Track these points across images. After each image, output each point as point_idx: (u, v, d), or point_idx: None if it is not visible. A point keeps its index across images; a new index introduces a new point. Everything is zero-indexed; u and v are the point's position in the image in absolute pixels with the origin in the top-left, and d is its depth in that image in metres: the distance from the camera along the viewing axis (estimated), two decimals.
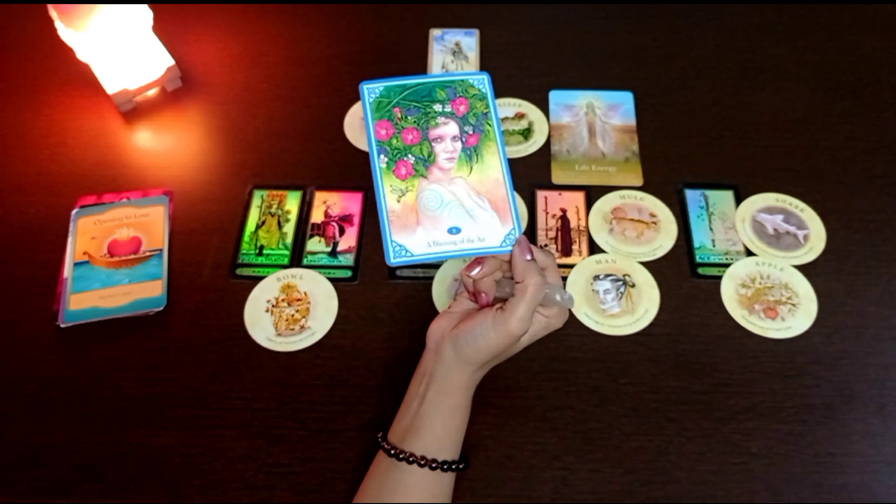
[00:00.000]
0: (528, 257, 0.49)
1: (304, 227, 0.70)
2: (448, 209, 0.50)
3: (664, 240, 0.68)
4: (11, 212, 0.71)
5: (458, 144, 0.51)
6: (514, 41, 0.85)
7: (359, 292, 0.66)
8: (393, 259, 0.49)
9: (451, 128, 0.52)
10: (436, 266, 0.67)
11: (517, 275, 0.49)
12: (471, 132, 0.52)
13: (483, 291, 0.52)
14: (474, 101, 0.52)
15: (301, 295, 0.65)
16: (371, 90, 0.52)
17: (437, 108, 0.52)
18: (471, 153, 0.51)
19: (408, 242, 0.49)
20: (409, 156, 0.51)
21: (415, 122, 0.51)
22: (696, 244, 0.68)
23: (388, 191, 0.50)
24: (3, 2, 0.89)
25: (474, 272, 0.51)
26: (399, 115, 0.51)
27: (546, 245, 0.68)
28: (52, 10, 0.72)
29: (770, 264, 0.66)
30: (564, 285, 0.65)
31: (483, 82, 0.53)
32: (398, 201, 0.50)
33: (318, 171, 0.74)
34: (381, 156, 0.50)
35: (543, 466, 0.56)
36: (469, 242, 0.49)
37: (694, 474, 0.56)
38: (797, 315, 0.63)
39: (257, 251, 0.68)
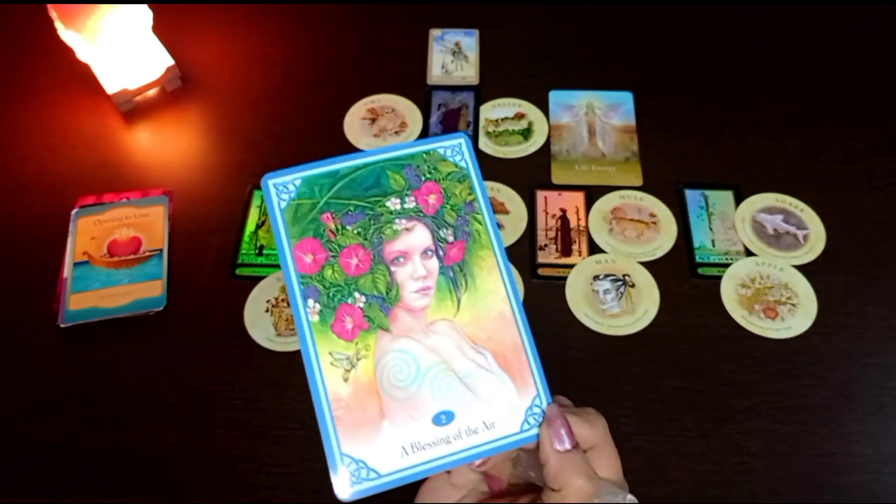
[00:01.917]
0: (568, 445, 0.32)
1: None
2: (429, 381, 0.32)
3: (664, 240, 0.68)
4: (11, 212, 0.71)
5: (434, 263, 0.33)
6: (514, 41, 0.85)
7: None
8: (346, 493, 0.30)
9: (419, 235, 0.33)
10: None
11: (550, 477, 0.32)
12: (451, 239, 0.34)
13: (493, 475, 0.36)
14: (450, 184, 0.34)
15: None
16: (281, 188, 0.33)
17: (393, 204, 0.34)
18: (454, 276, 0.33)
19: (369, 454, 0.31)
20: (357, 295, 0.32)
21: (359, 233, 0.33)
22: (696, 244, 0.68)
23: (328, 363, 0.31)
24: (3, 2, 0.89)
25: (476, 465, 0.34)
26: (333, 226, 0.33)
27: (545, 246, 0.68)
28: (52, 11, 0.72)
29: (770, 264, 0.66)
30: (565, 287, 0.65)
31: (460, 149, 0.35)
32: (346, 380, 0.31)
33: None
34: (310, 301, 0.32)
35: None
36: (470, 435, 0.32)
37: (694, 474, 0.56)
38: (797, 315, 0.63)
39: (257, 251, 0.68)
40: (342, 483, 0.31)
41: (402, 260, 0.33)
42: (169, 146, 0.77)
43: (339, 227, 0.33)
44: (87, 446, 0.58)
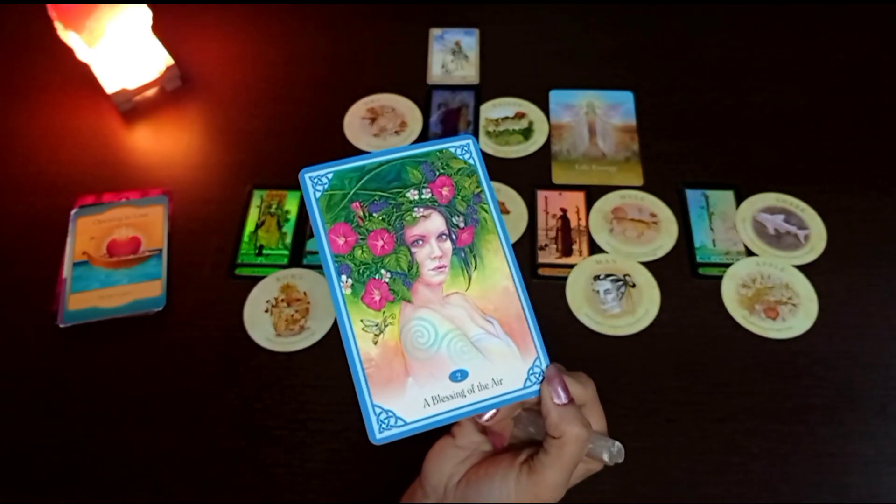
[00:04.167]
0: (564, 400, 0.37)
1: (303, 227, 0.69)
2: (446, 345, 0.37)
3: (665, 240, 0.68)
4: (11, 212, 0.71)
5: (448, 245, 0.38)
6: (514, 41, 0.85)
7: None
8: (379, 434, 0.36)
9: (435, 222, 0.38)
10: None
11: (551, 426, 0.37)
12: (462, 225, 0.39)
13: (497, 432, 0.40)
14: (460, 178, 0.39)
15: (301, 295, 0.65)
16: (316, 180, 0.38)
17: (412, 195, 0.38)
18: (466, 256, 0.38)
19: (397, 405, 0.36)
20: (383, 272, 0.37)
21: (384, 219, 0.38)
22: (697, 244, 0.67)
23: (360, 329, 0.36)
24: (3, 2, 0.89)
25: (485, 419, 0.38)
26: (361, 213, 0.38)
27: (546, 246, 0.68)
28: (52, 11, 0.72)
29: (771, 264, 0.66)
30: (565, 286, 0.65)
31: (468, 149, 0.40)
32: (375, 343, 0.36)
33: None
34: (343, 277, 0.37)
35: None
36: (481, 390, 0.37)
37: (694, 475, 0.55)
38: (798, 315, 0.63)
39: (257, 251, 0.68)
40: (374, 429, 0.36)
41: (420, 242, 0.38)
42: (168, 146, 0.77)
43: (367, 214, 0.38)
44: (87, 446, 0.57)
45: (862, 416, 0.58)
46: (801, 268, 0.66)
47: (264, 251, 0.68)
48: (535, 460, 0.37)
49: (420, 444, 0.42)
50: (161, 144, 0.77)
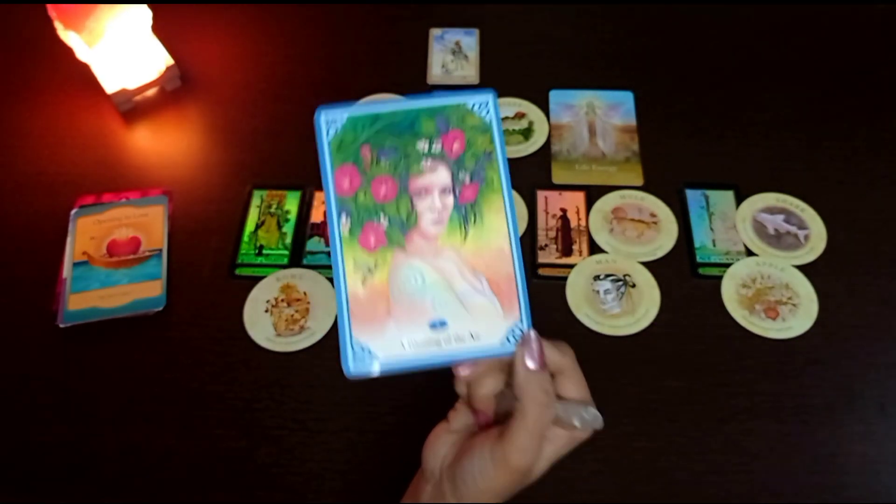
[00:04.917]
0: (533, 365, 0.37)
1: (303, 227, 0.69)
2: (431, 293, 0.38)
3: (665, 240, 0.68)
4: (11, 212, 0.71)
5: (450, 200, 0.39)
6: (514, 41, 0.85)
7: None
8: (353, 368, 0.37)
9: (441, 175, 0.39)
10: None
11: (516, 389, 0.37)
12: (467, 182, 0.39)
13: (480, 409, 0.40)
14: (473, 134, 0.39)
15: (300, 295, 0.65)
16: (331, 122, 0.39)
17: (422, 146, 0.38)
18: (466, 213, 0.39)
19: (375, 343, 0.37)
20: (381, 217, 0.38)
21: (390, 167, 0.38)
22: (697, 244, 0.67)
23: (351, 268, 0.38)
24: (3, 2, 0.89)
25: (463, 373, 0.39)
26: (369, 159, 0.38)
27: (546, 246, 0.68)
28: (52, 11, 0.72)
29: (771, 264, 0.66)
30: (565, 287, 0.65)
31: (486, 106, 0.39)
32: (363, 283, 0.38)
33: (317, 170, 0.73)
34: (343, 217, 0.38)
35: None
36: (458, 342, 0.38)
37: (694, 475, 0.55)
38: (798, 315, 0.63)
39: (257, 251, 0.68)
40: (350, 361, 0.37)
41: (423, 194, 0.38)
42: (168, 146, 0.77)
43: (375, 160, 0.38)
44: (87, 446, 0.57)
45: (862, 416, 0.58)
46: (801, 268, 0.66)
47: (264, 251, 0.68)
48: (506, 426, 0.37)
49: (419, 441, 0.42)
50: (161, 144, 0.77)
